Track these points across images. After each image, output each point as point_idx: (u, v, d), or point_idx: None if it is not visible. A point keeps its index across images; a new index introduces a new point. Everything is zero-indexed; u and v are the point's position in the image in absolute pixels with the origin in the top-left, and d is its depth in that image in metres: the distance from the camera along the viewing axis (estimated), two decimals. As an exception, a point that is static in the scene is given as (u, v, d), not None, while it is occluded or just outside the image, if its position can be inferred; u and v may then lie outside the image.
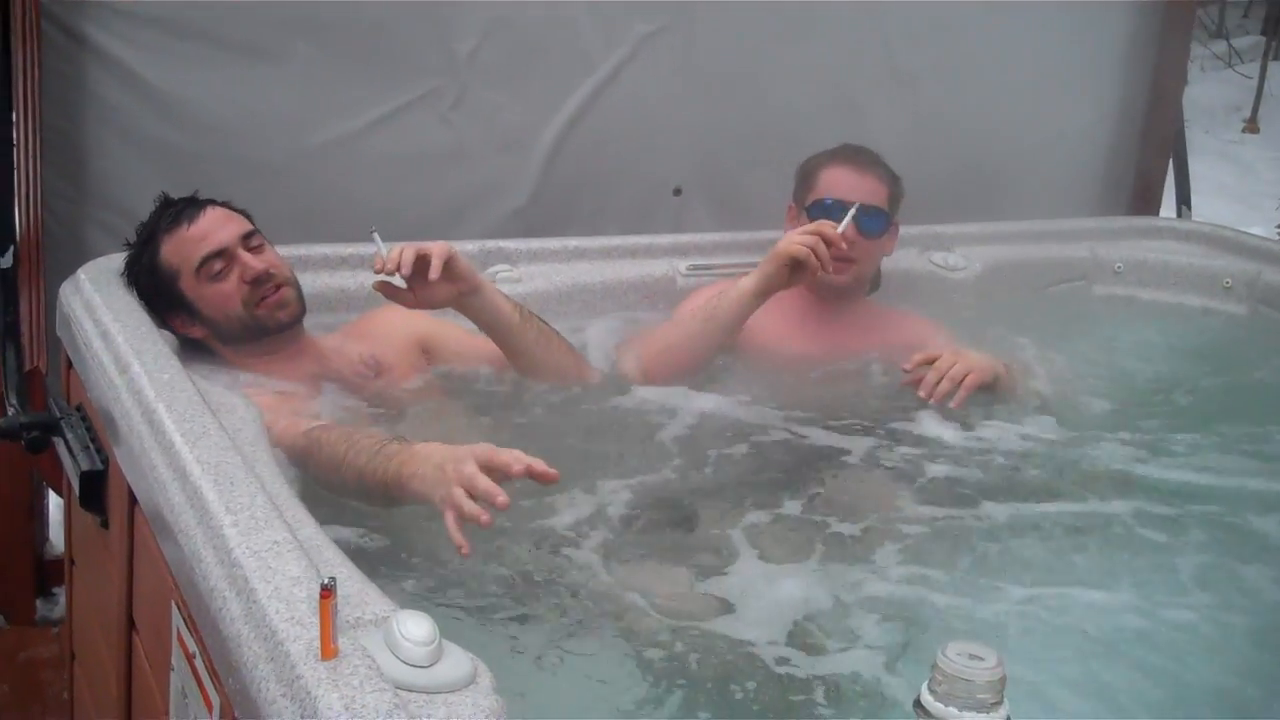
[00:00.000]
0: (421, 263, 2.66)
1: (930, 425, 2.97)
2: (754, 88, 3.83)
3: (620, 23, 3.71)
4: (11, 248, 3.00)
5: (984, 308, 3.78)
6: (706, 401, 2.98)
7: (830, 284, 3.13)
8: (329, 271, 3.20)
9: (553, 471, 2.14)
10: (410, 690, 1.53)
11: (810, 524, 2.57)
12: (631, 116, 3.75)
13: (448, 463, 2.12)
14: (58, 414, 2.65)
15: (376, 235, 2.73)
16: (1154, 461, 2.91)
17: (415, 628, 1.59)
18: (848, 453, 2.87)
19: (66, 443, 2.57)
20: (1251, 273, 3.91)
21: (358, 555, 2.05)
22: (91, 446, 2.50)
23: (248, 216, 2.77)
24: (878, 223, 3.20)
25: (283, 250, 3.19)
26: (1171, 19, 4.34)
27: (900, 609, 2.28)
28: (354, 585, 1.75)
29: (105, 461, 2.42)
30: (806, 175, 3.28)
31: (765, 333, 3.19)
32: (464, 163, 3.58)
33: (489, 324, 2.84)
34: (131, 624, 2.30)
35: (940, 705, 1.35)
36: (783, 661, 2.11)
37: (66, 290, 2.82)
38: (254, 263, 2.68)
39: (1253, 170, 9.28)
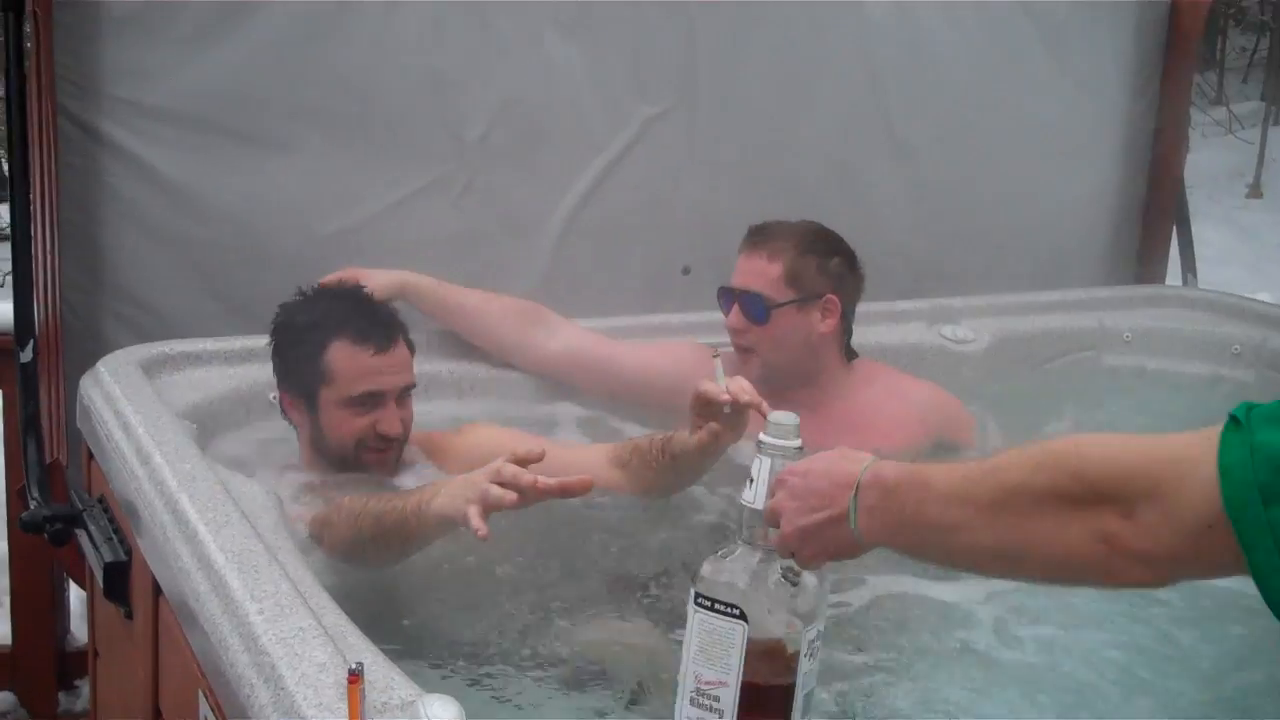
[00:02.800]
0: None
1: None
2: (757, 163, 3.88)
3: (625, 104, 3.76)
4: (31, 341, 3.02)
5: (993, 381, 3.79)
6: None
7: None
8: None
9: (586, 479, 2.14)
10: (436, 774, 1.53)
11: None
12: (638, 197, 3.80)
13: (476, 473, 2.13)
14: (80, 506, 2.68)
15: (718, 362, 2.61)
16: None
17: (442, 711, 1.60)
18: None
19: (90, 534, 2.59)
20: (1258, 338, 3.93)
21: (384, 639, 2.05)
22: (115, 538, 2.52)
23: (411, 350, 2.79)
24: (755, 308, 3.08)
25: None
26: (1171, 86, 4.38)
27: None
28: (379, 670, 1.75)
29: (128, 552, 2.45)
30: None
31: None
32: (474, 247, 3.61)
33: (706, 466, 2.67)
34: (158, 714, 2.31)
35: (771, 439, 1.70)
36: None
37: (86, 383, 2.86)
38: (394, 422, 2.68)
39: (1258, 235, 9.31)
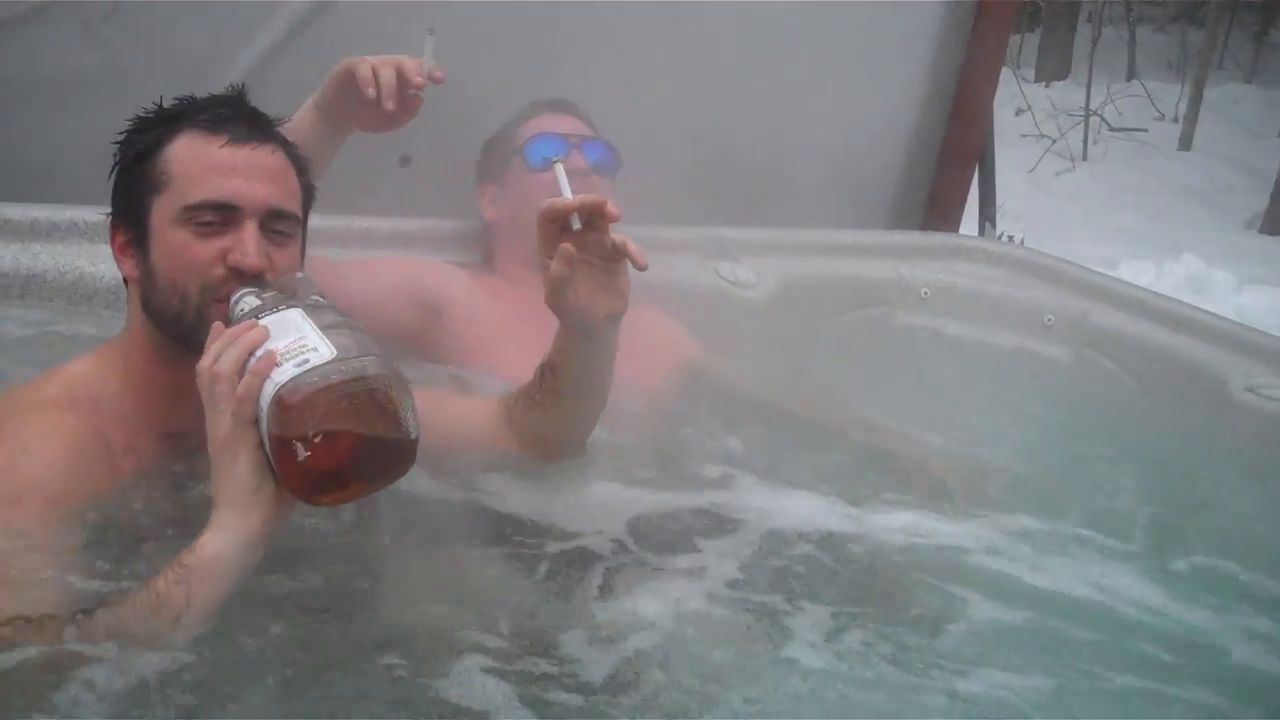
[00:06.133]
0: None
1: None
2: (506, 32, 3.04)
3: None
4: None
5: (776, 334, 3.12)
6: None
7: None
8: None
9: None
10: None
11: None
12: (350, 50, 2.84)
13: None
14: None
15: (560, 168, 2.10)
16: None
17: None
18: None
19: None
20: (1077, 311, 3.33)
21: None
22: None
23: (307, 191, 1.96)
24: (608, 157, 2.74)
25: None
26: (990, 12, 3.71)
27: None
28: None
29: None
30: (504, 138, 2.78)
31: (485, 352, 2.52)
32: (117, 99, 2.60)
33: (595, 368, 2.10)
34: None
35: None
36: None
37: None
38: (253, 253, 1.79)
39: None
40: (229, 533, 1.59)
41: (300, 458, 1.53)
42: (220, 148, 1.83)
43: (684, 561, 2.05)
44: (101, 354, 1.91)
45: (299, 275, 1.78)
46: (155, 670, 1.53)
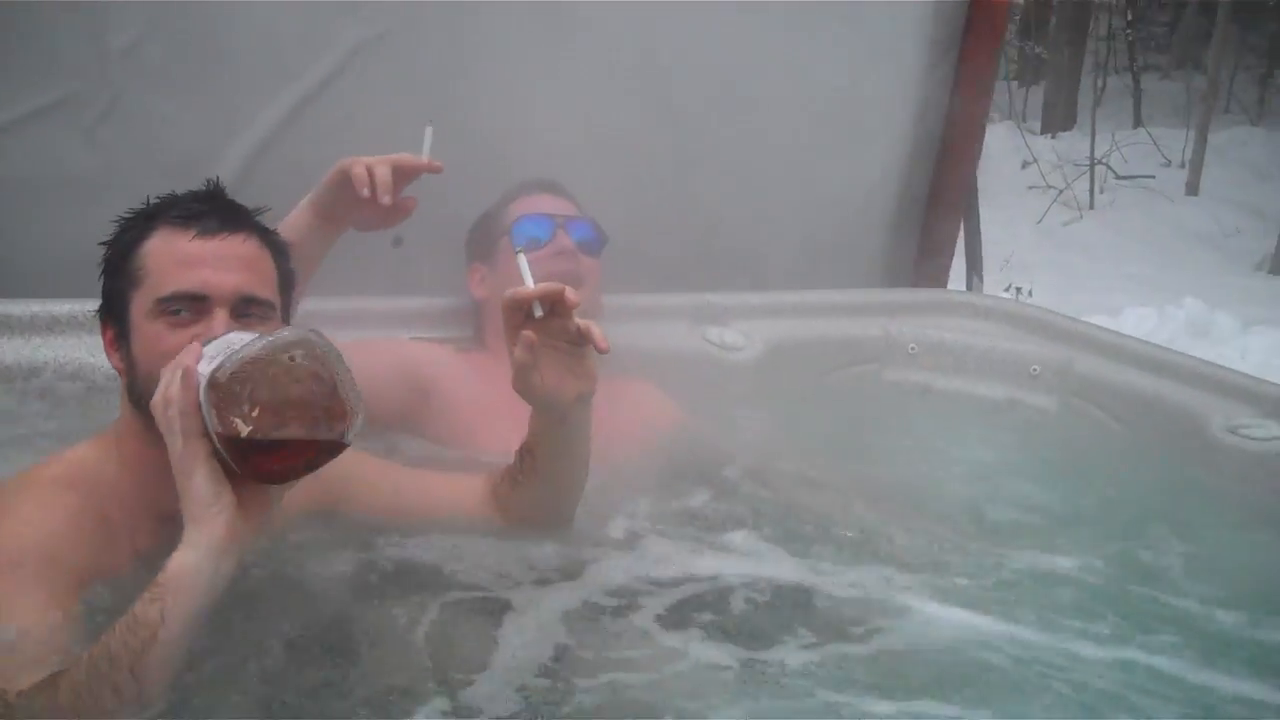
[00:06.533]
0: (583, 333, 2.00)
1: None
2: (494, 115, 3.08)
3: (330, 24, 2.97)
4: None
5: (765, 396, 3.18)
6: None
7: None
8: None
9: None
10: None
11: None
12: (338, 143, 2.92)
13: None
14: None
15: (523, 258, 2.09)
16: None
17: None
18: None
19: None
20: (1062, 359, 3.38)
21: None
22: None
23: (284, 276, 2.02)
24: (593, 236, 2.79)
25: None
26: (971, 60, 3.79)
27: None
28: None
29: None
30: (493, 218, 2.85)
31: (472, 432, 2.57)
32: (112, 191, 2.68)
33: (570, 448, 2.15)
34: None
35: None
36: None
37: None
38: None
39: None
40: (195, 547, 1.66)
41: (244, 434, 1.59)
42: (190, 241, 1.90)
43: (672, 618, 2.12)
44: (98, 440, 1.99)
45: None
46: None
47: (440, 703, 1.81)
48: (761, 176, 3.52)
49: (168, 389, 1.71)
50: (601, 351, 1.97)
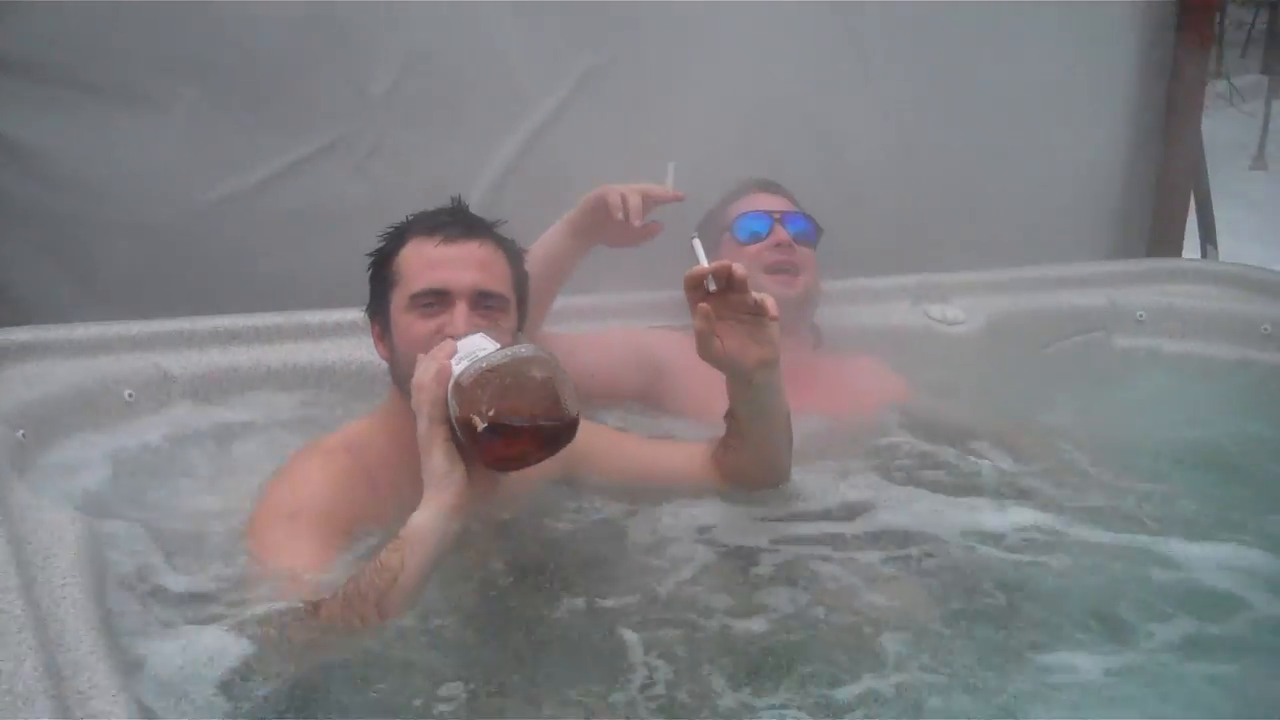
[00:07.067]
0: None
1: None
2: (716, 123, 3.31)
3: (560, 53, 3.28)
4: None
5: (989, 366, 3.31)
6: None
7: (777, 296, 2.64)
8: (218, 348, 2.79)
9: None
10: None
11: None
12: (576, 161, 3.24)
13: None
14: None
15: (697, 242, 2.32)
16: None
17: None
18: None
19: None
20: (1294, 318, 3.41)
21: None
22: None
23: (518, 275, 2.35)
24: (808, 228, 3.00)
25: (172, 324, 2.79)
26: (1186, 42, 3.86)
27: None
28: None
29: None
30: (716, 216, 3.08)
31: (699, 403, 2.74)
32: (383, 218, 3.07)
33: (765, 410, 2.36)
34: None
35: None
36: None
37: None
38: (461, 325, 2.19)
39: (1264, 208, 8.87)
40: (431, 508, 1.99)
41: (480, 429, 1.90)
42: (435, 246, 2.24)
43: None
44: (372, 416, 2.37)
45: (516, 334, 2.20)
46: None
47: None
48: (975, 168, 3.67)
49: (422, 376, 2.02)
50: (773, 320, 2.17)
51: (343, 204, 3.14)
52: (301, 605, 1.94)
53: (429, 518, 1.99)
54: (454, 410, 1.95)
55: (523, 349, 1.98)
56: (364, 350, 2.81)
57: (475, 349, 2.01)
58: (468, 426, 1.93)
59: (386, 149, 3.17)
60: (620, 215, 2.65)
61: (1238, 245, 6.62)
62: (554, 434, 1.95)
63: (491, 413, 1.91)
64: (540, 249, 2.71)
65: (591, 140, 3.30)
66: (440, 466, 2.00)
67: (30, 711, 1.32)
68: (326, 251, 3.06)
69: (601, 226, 2.73)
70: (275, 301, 2.93)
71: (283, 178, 3.09)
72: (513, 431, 1.92)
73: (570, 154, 3.27)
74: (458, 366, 1.98)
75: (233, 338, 2.81)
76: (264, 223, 3.06)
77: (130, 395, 2.65)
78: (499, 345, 2.00)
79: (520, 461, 1.97)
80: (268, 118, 3.06)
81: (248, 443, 2.67)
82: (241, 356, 2.80)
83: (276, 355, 2.85)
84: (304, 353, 2.87)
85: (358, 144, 3.15)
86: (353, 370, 2.86)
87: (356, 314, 2.85)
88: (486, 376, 1.93)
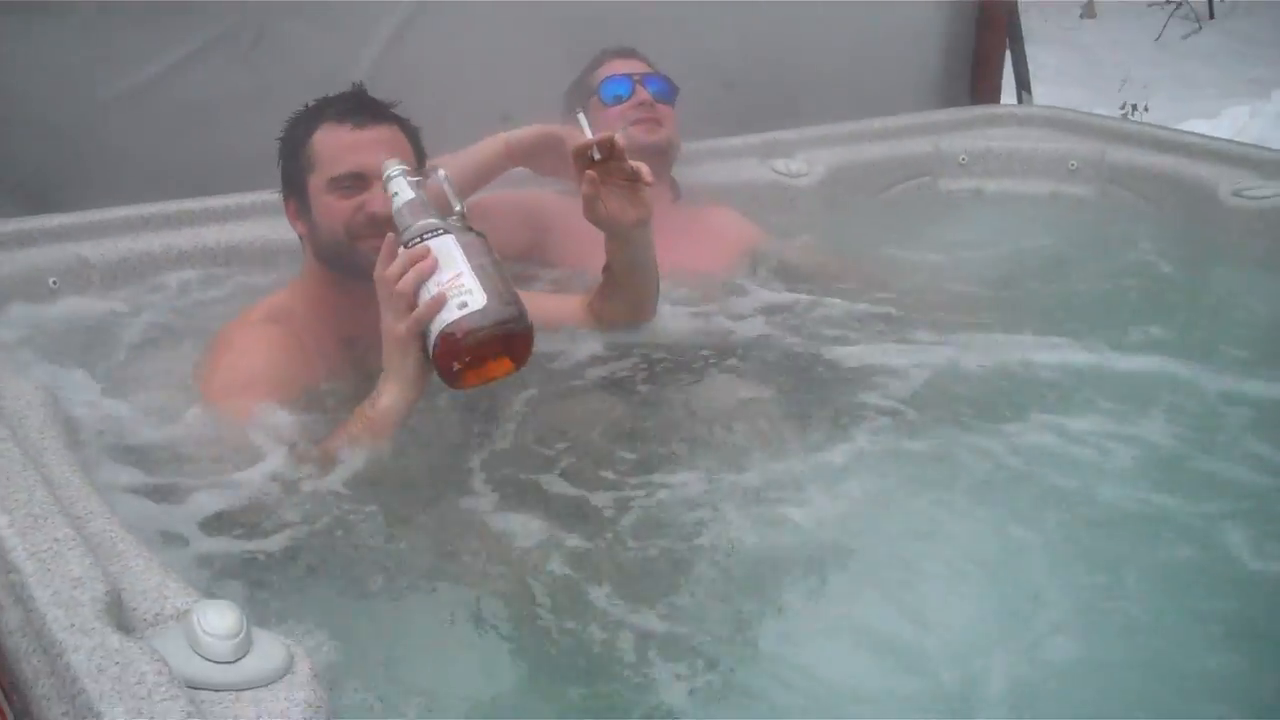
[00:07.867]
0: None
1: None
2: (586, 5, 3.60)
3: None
4: None
5: (829, 212, 3.68)
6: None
7: (641, 143, 3.01)
8: (131, 235, 3.01)
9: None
10: (213, 689, 1.37)
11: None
12: (449, 44, 3.54)
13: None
14: None
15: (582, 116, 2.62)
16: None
17: (218, 619, 1.44)
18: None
19: None
20: (1096, 152, 3.84)
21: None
22: None
23: (419, 154, 2.56)
24: (665, 87, 3.24)
25: (78, 216, 3.01)
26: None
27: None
28: (151, 578, 1.58)
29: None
30: (582, 82, 3.31)
31: (579, 258, 3.03)
32: (270, 106, 3.31)
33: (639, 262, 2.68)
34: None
35: None
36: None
37: None
38: (379, 204, 2.42)
39: (1093, 54, 9.32)
40: (395, 397, 2.26)
41: (456, 369, 2.16)
42: (349, 132, 2.48)
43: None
44: (290, 287, 2.64)
45: (437, 170, 2.40)
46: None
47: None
48: (812, 26, 3.99)
49: (401, 282, 2.19)
50: (648, 184, 2.49)
51: (232, 93, 3.32)
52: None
53: (396, 404, 2.26)
54: (434, 345, 2.16)
55: (508, 312, 2.16)
56: (265, 228, 3.11)
57: (459, 284, 2.16)
58: (445, 361, 2.16)
59: (270, 40, 3.37)
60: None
61: (1064, 90, 7.12)
62: (517, 368, 2.21)
63: (470, 359, 2.15)
64: (469, 160, 2.97)
65: (468, 19, 3.56)
66: (412, 371, 2.25)
67: (50, 526, 1.62)
68: (219, 139, 3.28)
69: (540, 159, 3.03)
70: (180, 189, 3.15)
71: (175, 71, 3.29)
72: (482, 376, 2.19)
73: (444, 37, 3.55)
74: (448, 312, 2.15)
75: (144, 224, 3.05)
76: (158, 116, 3.25)
77: (54, 283, 2.88)
78: (482, 292, 2.15)
79: (478, 385, 2.23)
80: (158, 16, 3.24)
81: (167, 317, 2.91)
82: (154, 242, 3.03)
83: (185, 238, 3.09)
84: (211, 235, 3.11)
85: (242, 36, 3.35)
86: (257, 248, 3.10)
87: (256, 196, 3.14)
88: (472, 335, 2.13)
